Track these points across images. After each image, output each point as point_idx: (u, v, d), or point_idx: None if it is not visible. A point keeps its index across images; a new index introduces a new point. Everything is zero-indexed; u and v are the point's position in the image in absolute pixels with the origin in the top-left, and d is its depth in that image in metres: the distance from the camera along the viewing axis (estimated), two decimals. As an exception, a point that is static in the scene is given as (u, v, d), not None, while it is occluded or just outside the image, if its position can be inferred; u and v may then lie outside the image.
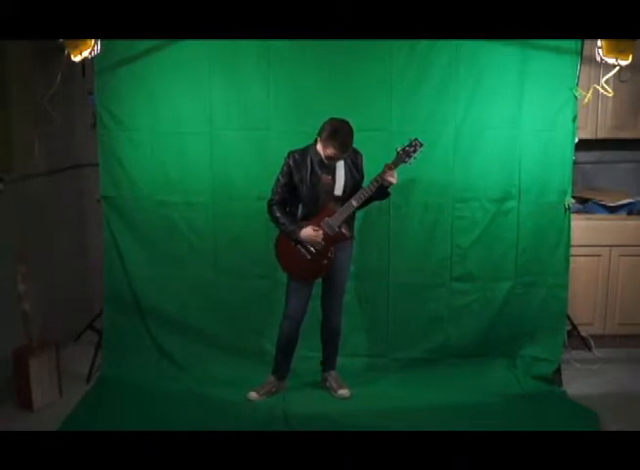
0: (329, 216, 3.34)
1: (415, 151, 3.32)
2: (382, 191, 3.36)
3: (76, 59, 3.43)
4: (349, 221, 3.44)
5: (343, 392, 3.57)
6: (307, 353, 3.77)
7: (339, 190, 3.37)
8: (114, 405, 3.47)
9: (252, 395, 3.53)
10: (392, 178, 3.28)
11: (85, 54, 3.41)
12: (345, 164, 3.38)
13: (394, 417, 3.33)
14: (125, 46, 3.66)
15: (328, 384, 3.62)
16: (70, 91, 4.20)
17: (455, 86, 3.70)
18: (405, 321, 3.92)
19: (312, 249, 3.36)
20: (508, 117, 3.72)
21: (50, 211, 4.05)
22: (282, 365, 3.59)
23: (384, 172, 3.29)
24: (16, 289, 3.47)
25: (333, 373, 3.64)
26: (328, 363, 3.65)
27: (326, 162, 3.31)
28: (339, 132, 3.21)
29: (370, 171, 3.50)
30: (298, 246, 3.37)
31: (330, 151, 3.25)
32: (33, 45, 3.68)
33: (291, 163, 3.35)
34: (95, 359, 3.86)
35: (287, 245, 3.40)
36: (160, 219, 3.86)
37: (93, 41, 3.41)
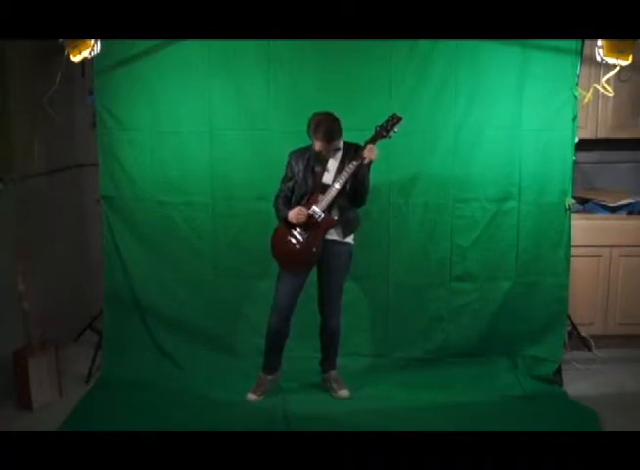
0: (315, 204, 3.35)
1: (394, 125, 3.32)
2: (362, 171, 3.30)
3: (76, 59, 3.43)
4: (347, 223, 3.43)
5: (343, 392, 3.57)
6: (307, 354, 3.77)
7: (328, 179, 3.37)
8: (114, 405, 3.47)
9: (251, 396, 3.53)
10: (371, 154, 3.27)
11: (85, 54, 3.41)
12: (344, 156, 3.37)
13: (394, 417, 3.33)
14: (125, 46, 3.67)
15: (328, 384, 3.62)
16: (70, 91, 4.21)
17: (455, 86, 3.70)
18: (405, 321, 3.92)
19: (300, 237, 3.36)
20: (508, 116, 3.72)
21: (50, 211, 4.05)
22: (272, 361, 3.59)
23: (363, 149, 3.29)
24: (16, 289, 3.47)
25: (332, 373, 3.64)
26: (327, 364, 3.65)
27: (321, 155, 3.34)
28: (320, 125, 3.24)
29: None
30: (289, 236, 3.38)
31: (317, 145, 3.29)
32: (33, 45, 3.68)
33: (292, 160, 3.42)
34: (95, 359, 3.86)
35: (281, 235, 3.42)
36: (160, 219, 3.87)
37: (93, 41, 3.40)
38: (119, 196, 3.85)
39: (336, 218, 3.39)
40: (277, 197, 3.46)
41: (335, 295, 3.52)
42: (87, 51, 3.40)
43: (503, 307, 3.86)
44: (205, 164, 3.81)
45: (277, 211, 3.44)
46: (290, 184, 3.43)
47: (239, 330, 3.92)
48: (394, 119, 3.33)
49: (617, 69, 3.36)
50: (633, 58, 3.30)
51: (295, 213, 3.33)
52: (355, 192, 3.36)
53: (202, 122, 3.77)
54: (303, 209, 3.34)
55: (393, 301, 3.91)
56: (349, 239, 3.48)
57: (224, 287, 3.91)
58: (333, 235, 3.42)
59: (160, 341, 3.92)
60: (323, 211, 3.34)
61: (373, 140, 3.31)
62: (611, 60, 3.31)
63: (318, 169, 3.39)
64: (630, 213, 4.27)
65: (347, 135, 3.63)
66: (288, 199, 3.44)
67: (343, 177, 3.29)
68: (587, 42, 3.57)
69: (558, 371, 3.76)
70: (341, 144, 3.38)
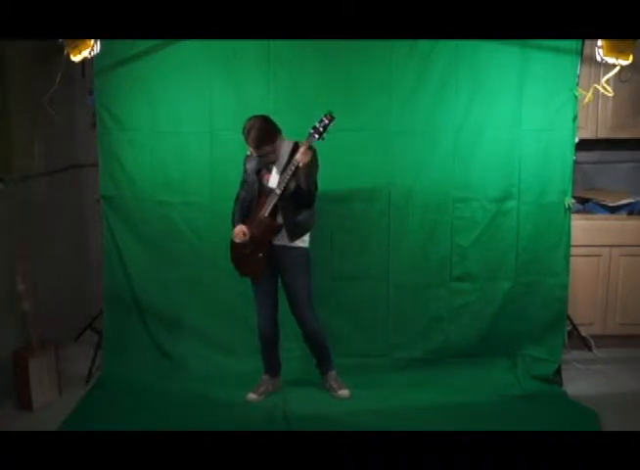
0: (261, 208, 3.33)
1: (326, 126, 3.21)
2: (298, 174, 3.23)
3: (76, 59, 3.43)
4: (294, 227, 3.35)
5: (343, 392, 3.56)
6: (307, 354, 3.77)
7: (273, 183, 3.34)
8: (114, 405, 3.47)
9: (251, 396, 3.54)
10: (304, 157, 3.19)
11: (85, 54, 3.41)
12: (290, 158, 3.31)
13: (394, 417, 3.33)
14: (125, 46, 3.67)
15: (327, 385, 3.61)
16: (70, 91, 4.21)
17: (455, 86, 3.70)
18: (405, 321, 3.91)
19: (250, 243, 3.35)
20: (508, 116, 3.71)
21: (50, 210, 4.05)
22: (269, 362, 3.60)
23: (296, 153, 3.23)
24: (16, 289, 3.47)
25: (332, 374, 3.63)
26: (322, 366, 3.63)
27: (266, 159, 3.32)
28: (250, 131, 3.21)
29: (366, 171, 3.51)
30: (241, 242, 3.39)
31: (251, 150, 3.26)
32: (33, 45, 3.69)
33: (246, 164, 3.41)
34: (95, 359, 3.86)
35: (234, 242, 3.41)
36: (160, 219, 3.87)
37: (93, 41, 3.41)
38: (119, 196, 3.85)
39: (280, 222, 3.34)
40: (235, 201, 3.44)
41: (300, 300, 3.45)
42: (87, 51, 3.40)
43: (503, 307, 3.86)
44: (205, 165, 3.82)
45: (232, 216, 3.42)
46: (246, 188, 3.43)
47: (238, 330, 3.92)
48: (327, 119, 3.22)
49: (617, 69, 3.36)
50: (633, 58, 3.30)
51: (235, 233, 3.34)
52: (296, 195, 3.29)
53: (201, 123, 3.77)
54: (246, 232, 3.32)
55: (393, 301, 3.90)
56: (300, 243, 3.41)
57: (224, 287, 3.90)
58: (281, 240, 3.38)
59: (159, 341, 3.93)
60: (268, 216, 3.31)
61: (306, 142, 3.23)
62: (611, 60, 3.31)
63: (264, 172, 3.37)
64: (630, 213, 4.27)
65: (347, 135, 3.65)
66: (245, 203, 3.41)
67: (283, 182, 3.26)
68: (587, 42, 3.57)
69: (558, 371, 3.77)
70: (286, 146, 3.32)
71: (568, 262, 3.80)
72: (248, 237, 3.33)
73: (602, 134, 4.22)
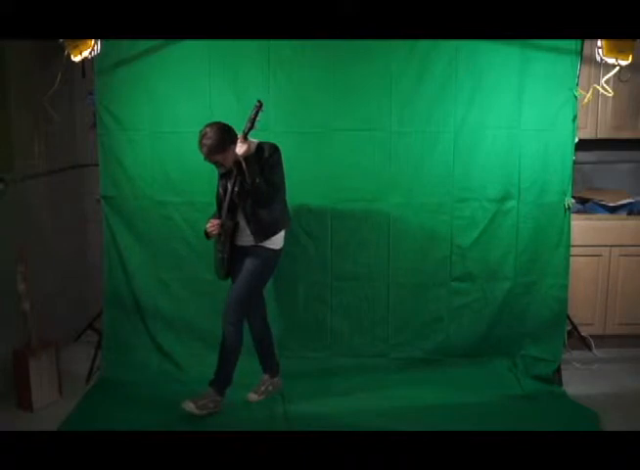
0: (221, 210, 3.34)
1: (257, 113, 3.17)
2: (242, 170, 3.21)
3: (76, 59, 3.44)
4: (260, 228, 3.32)
5: (251, 396, 3.51)
6: (307, 354, 3.79)
7: (235, 187, 3.31)
8: (114, 405, 3.47)
9: (251, 396, 3.54)
10: (240, 150, 3.17)
11: (85, 54, 3.42)
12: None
13: (394, 417, 3.33)
14: (125, 46, 3.67)
15: None
16: (70, 91, 4.21)
17: (455, 86, 3.70)
18: (405, 321, 3.92)
19: (219, 245, 3.36)
20: (508, 116, 3.72)
21: (50, 210, 4.06)
22: (266, 362, 3.60)
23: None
24: (16, 289, 3.47)
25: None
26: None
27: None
28: (202, 137, 3.17)
29: (366, 171, 3.50)
30: (217, 244, 3.39)
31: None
32: (33, 45, 3.69)
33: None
34: (95, 359, 3.86)
35: (214, 248, 3.43)
36: (160, 219, 3.87)
37: (93, 41, 3.41)
38: (119, 196, 3.85)
39: (238, 221, 3.33)
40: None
41: (233, 301, 3.36)
42: (87, 51, 3.41)
43: (503, 307, 3.86)
44: (205, 164, 3.78)
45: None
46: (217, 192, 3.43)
47: (239, 330, 3.92)
48: (255, 108, 3.18)
49: (617, 69, 3.36)
50: (633, 58, 3.31)
51: (208, 228, 3.33)
52: (246, 192, 3.25)
53: (202, 122, 3.71)
54: (214, 221, 3.32)
55: (393, 301, 3.90)
56: (269, 244, 3.36)
57: (223, 287, 3.89)
58: (248, 241, 3.36)
59: (159, 341, 3.92)
60: (226, 216, 3.30)
61: (242, 134, 3.20)
62: (611, 60, 3.32)
63: (227, 174, 3.34)
64: (630, 213, 4.28)
65: (347, 135, 3.65)
66: (217, 207, 3.42)
67: (232, 178, 3.26)
68: (587, 42, 3.57)
69: (558, 371, 3.77)
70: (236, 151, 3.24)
71: (568, 262, 3.80)
72: (218, 226, 3.30)
73: (602, 134, 4.22)
